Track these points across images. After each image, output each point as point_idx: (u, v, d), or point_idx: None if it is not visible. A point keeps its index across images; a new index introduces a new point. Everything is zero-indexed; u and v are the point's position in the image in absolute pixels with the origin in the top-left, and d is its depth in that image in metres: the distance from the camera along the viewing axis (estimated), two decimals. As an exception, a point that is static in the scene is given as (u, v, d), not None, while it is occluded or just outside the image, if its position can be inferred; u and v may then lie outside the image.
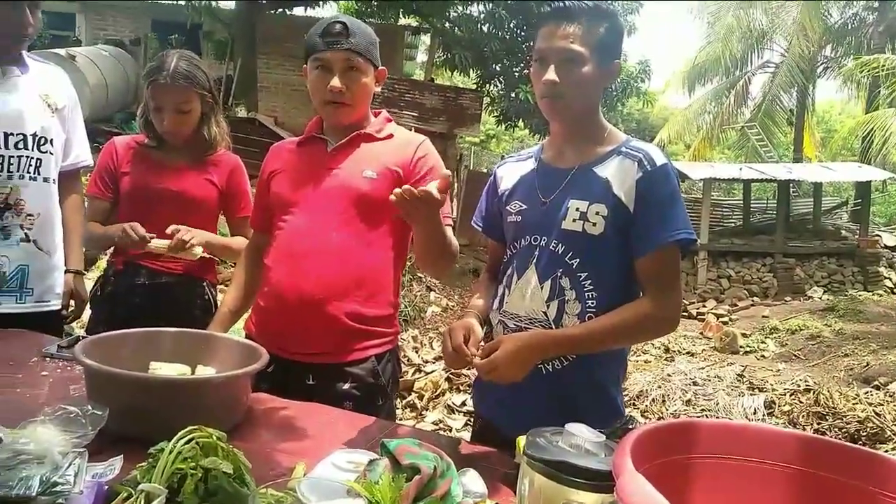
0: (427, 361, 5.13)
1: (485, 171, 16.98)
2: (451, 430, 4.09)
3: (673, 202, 1.47)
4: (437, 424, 4.17)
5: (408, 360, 5.17)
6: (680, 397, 5.29)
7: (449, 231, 1.67)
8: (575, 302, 1.50)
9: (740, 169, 14.98)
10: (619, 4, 12.09)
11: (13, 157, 1.99)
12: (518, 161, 1.73)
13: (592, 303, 1.49)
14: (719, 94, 19.64)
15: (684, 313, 10.63)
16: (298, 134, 1.96)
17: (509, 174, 1.71)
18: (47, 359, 1.73)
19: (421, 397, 4.55)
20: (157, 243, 2.01)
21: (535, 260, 1.55)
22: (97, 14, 13.56)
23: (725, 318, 11.13)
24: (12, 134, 1.99)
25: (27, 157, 2.01)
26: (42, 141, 2.06)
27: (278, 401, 1.60)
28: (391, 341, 1.87)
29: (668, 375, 5.83)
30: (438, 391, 4.58)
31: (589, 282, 1.49)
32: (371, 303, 1.77)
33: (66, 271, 2.19)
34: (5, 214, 1.99)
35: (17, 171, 2.00)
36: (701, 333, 9.85)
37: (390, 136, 1.84)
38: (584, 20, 1.47)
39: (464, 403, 4.44)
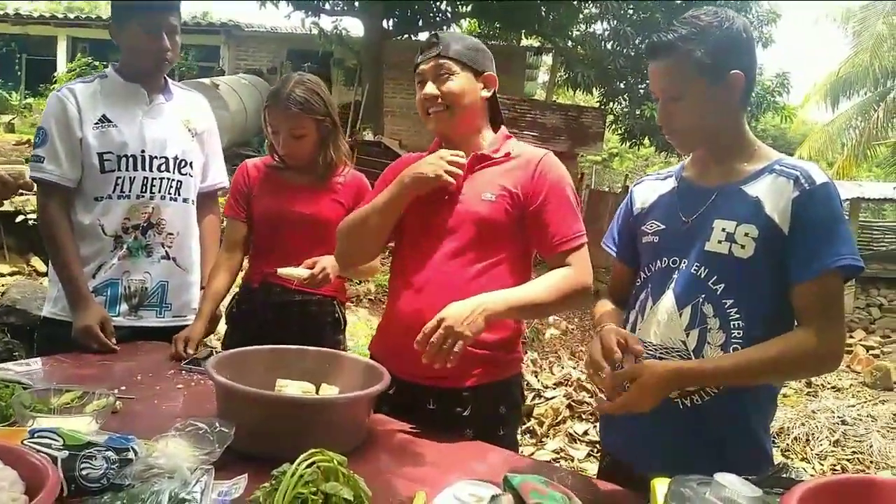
0: (547, 387, 4.99)
1: (607, 190, 16.57)
2: (572, 461, 3.94)
3: (835, 224, 1.32)
4: (557, 453, 4.03)
5: (527, 385, 5.06)
6: (827, 437, 4.81)
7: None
8: (718, 331, 1.37)
9: (894, 188, 13.76)
10: (754, 14, 11.45)
11: (156, 178, 2.11)
12: (656, 180, 1.63)
13: (739, 333, 1.36)
14: (867, 107, 18.08)
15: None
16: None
17: (646, 193, 1.60)
18: (183, 372, 1.81)
19: (541, 424, 4.41)
20: (292, 272, 2.02)
21: (672, 283, 1.43)
22: (239, 45, 14.57)
23: (877, 351, 10.13)
24: (156, 157, 2.11)
25: (168, 178, 2.13)
26: (182, 164, 2.17)
27: (398, 424, 1.58)
28: (514, 366, 1.80)
29: (813, 412, 5.34)
30: (559, 418, 4.44)
31: (735, 310, 1.36)
32: (492, 327, 1.71)
33: (203, 288, 2.30)
34: (148, 233, 2.11)
35: (159, 192, 2.12)
36: (848, 367, 9.01)
37: (508, 154, 1.78)
38: (673, 53, 1.37)
39: (586, 433, 4.26)
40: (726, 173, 1.44)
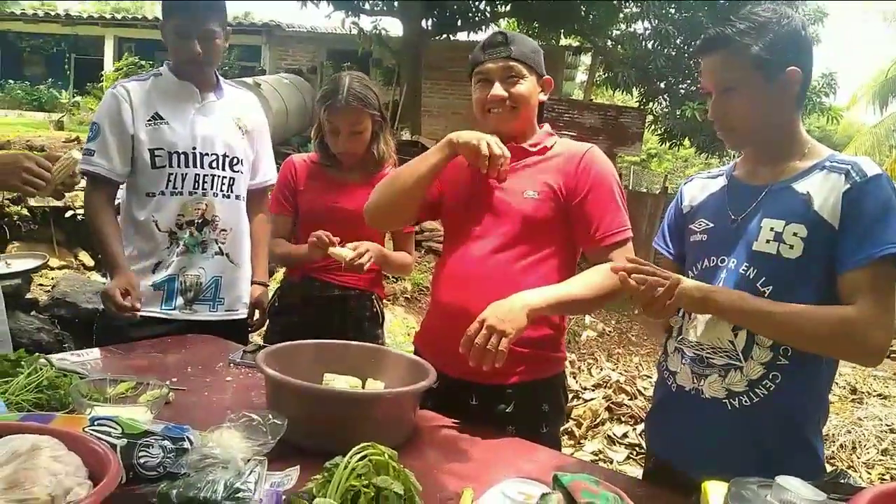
0: (585, 388, 4.94)
1: (645, 191, 16.35)
2: (611, 463, 3.89)
3: (887, 213, 1.28)
4: (596, 455, 3.99)
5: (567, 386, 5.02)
6: (875, 445, 4.67)
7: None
8: None
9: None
10: (800, 13, 11.19)
11: (207, 175, 2.15)
12: (707, 178, 1.61)
13: None
14: (918, 108, 17.54)
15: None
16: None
17: (695, 191, 1.59)
18: (232, 365, 1.84)
19: (579, 425, 4.37)
20: (338, 252, 2.03)
21: (720, 283, 1.41)
22: (280, 45, 14.75)
23: (926, 359, 9.79)
24: (207, 154, 2.15)
25: (220, 175, 2.17)
26: (234, 161, 2.21)
27: (443, 419, 1.58)
28: (557, 365, 1.80)
29: (859, 419, 5.18)
30: (598, 420, 4.39)
31: (787, 311, 1.33)
32: (535, 325, 1.70)
33: (253, 283, 2.34)
34: (204, 230, 2.16)
35: (212, 188, 2.16)
36: None
37: (546, 149, 1.77)
38: (731, 45, 1.35)
39: (625, 435, 4.21)
40: (777, 172, 1.42)
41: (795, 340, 1.31)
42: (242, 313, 2.30)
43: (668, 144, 13.58)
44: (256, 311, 2.38)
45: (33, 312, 4.19)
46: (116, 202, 2.19)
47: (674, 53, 11.48)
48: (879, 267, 1.27)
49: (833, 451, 4.60)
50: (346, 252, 2.01)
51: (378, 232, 2.35)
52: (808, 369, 1.36)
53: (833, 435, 4.74)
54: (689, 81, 11.76)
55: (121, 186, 2.18)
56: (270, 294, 2.49)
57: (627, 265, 1.35)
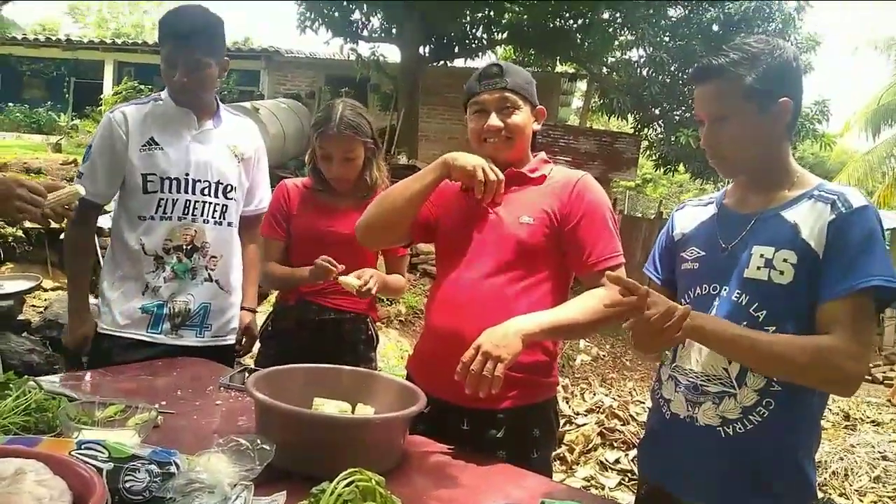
0: (578, 413, 4.92)
1: (639, 215, 16.44)
2: (603, 489, 3.87)
3: (870, 245, 1.29)
4: (588, 481, 3.96)
5: (559, 411, 5.00)
6: (867, 473, 4.64)
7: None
8: None
9: (937, 218, 13.33)
10: (793, 41, 11.34)
11: (199, 201, 2.15)
12: (697, 206, 1.62)
13: None
14: (909, 135, 17.69)
15: (867, 378, 9.48)
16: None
17: (686, 219, 1.60)
18: (222, 388, 1.83)
19: (571, 451, 4.35)
20: (347, 280, 2.05)
21: (713, 311, 1.42)
22: (279, 71, 14.87)
23: (919, 386, 9.76)
24: (200, 181, 2.16)
25: (211, 202, 2.18)
26: (228, 188, 2.22)
27: (433, 444, 1.58)
28: (549, 390, 1.79)
29: (852, 446, 5.16)
30: (590, 445, 4.37)
31: (777, 337, 1.34)
32: (528, 350, 1.70)
33: (242, 308, 2.34)
34: (194, 256, 2.16)
35: (202, 215, 2.16)
36: (889, 401, 8.70)
37: (543, 177, 1.79)
38: (725, 75, 1.37)
39: (617, 461, 4.19)
40: (766, 200, 1.44)
41: (775, 369, 1.32)
42: (231, 339, 2.30)
43: (662, 170, 13.69)
44: (244, 337, 2.38)
45: (25, 333, 4.18)
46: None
47: (668, 80, 11.64)
48: (859, 299, 1.28)
49: (825, 479, 4.58)
50: (353, 281, 2.03)
51: (372, 255, 2.36)
52: (801, 395, 1.36)
53: (825, 462, 4.72)
54: (683, 108, 11.90)
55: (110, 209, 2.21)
56: (263, 317, 2.49)
57: (623, 283, 1.30)
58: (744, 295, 1.39)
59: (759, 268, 1.37)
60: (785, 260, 1.34)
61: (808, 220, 1.35)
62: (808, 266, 1.32)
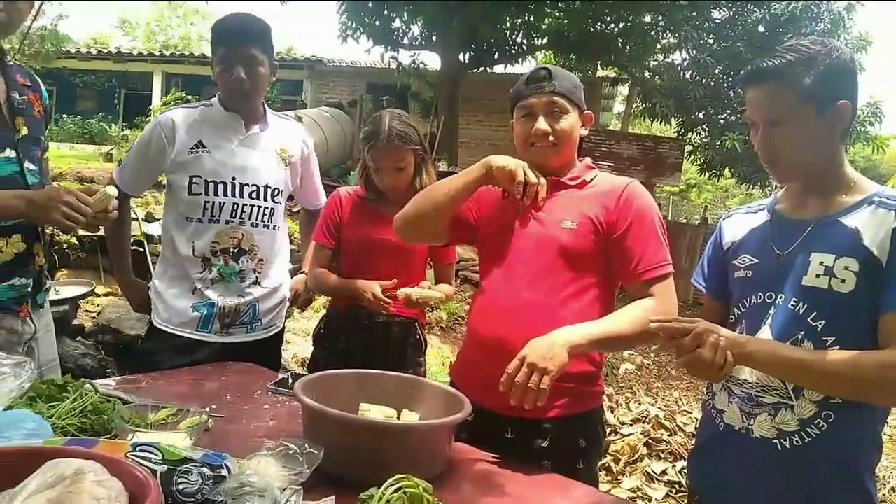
0: (623, 423, 4.84)
1: (684, 221, 16.15)
2: (650, 500, 3.79)
3: None
4: (634, 492, 3.88)
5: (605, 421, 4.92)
6: (929, 489, 4.47)
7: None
8: None
9: None
10: (843, 41, 11.02)
11: (246, 205, 2.20)
12: (747, 213, 1.58)
13: None
14: (968, 137, 17.04)
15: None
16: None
17: (736, 226, 1.56)
18: (269, 393, 1.85)
19: (616, 461, 4.27)
20: (426, 294, 2.16)
21: (769, 320, 1.38)
22: (321, 80, 15.10)
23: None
24: (247, 184, 2.20)
25: (258, 206, 2.22)
26: (275, 192, 2.27)
27: (478, 453, 1.56)
28: (595, 400, 1.77)
29: (912, 461, 4.97)
30: (636, 456, 4.29)
31: (837, 347, 1.29)
32: (575, 361, 1.68)
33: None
34: (241, 259, 2.21)
35: (249, 218, 2.21)
36: (951, 414, 8.37)
37: (585, 182, 1.77)
38: (782, 78, 1.33)
39: (664, 472, 4.10)
40: (823, 206, 1.39)
41: (839, 389, 1.28)
42: (278, 327, 2.38)
43: (707, 175, 13.43)
44: (299, 297, 2.51)
45: (79, 338, 4.30)
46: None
47: (712, 84, 11.42)
48: None
49: (884, 495, 4.41)
50: (409, 293, 2.13)
51: (422, 263, 2.40)
52: (862, 408, 1.32)
53: (884, 477, 4.54)
54: (728, 111, 11.66)
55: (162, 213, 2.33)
56: (315, 322, 2.55)
57: (665, 322, 1.31)
58: (801, 303, 1.34)
59: (818, 275, 1.33)
60: (846, 268, 1.30)
61: (870, 226, 1.30)
62: (870, 274, 1.28)
